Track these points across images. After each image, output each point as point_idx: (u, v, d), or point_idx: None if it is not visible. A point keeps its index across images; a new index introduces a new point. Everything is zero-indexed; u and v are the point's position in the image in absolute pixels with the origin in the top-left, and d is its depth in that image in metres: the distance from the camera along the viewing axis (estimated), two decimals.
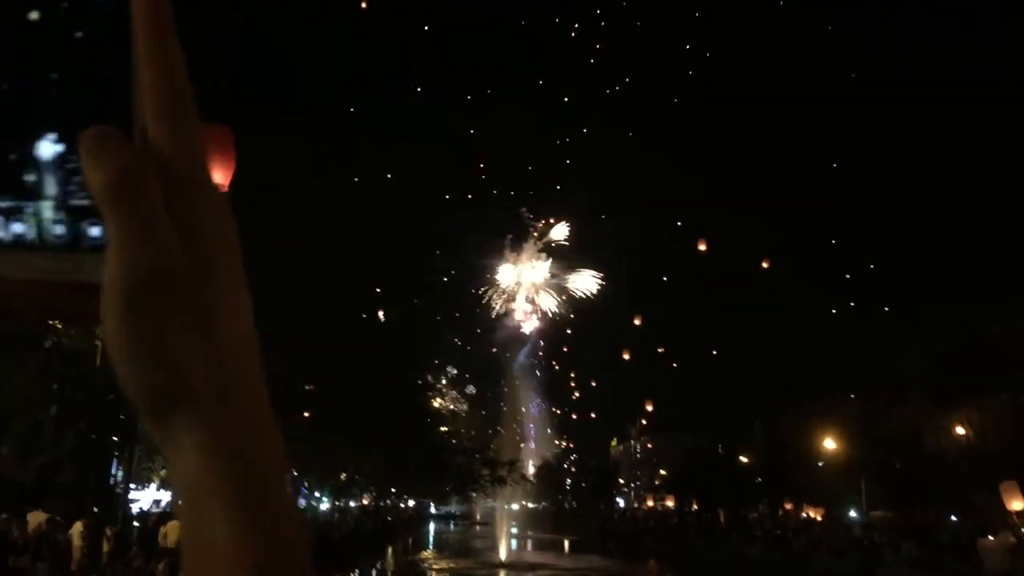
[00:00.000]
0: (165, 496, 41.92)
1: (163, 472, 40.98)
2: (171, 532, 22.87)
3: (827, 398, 58.29)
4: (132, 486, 36.32)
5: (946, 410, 45.35)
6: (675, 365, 73.95)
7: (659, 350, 71.92)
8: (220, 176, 8.26)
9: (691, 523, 59.51)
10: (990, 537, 24.39)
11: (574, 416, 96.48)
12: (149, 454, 34.31)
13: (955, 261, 74.36)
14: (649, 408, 64.95)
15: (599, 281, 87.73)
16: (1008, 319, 50.06)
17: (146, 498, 41.39)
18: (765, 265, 42.03)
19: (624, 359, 72.68)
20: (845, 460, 44.86)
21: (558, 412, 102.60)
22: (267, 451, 0.50)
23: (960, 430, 40.22)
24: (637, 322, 52.34)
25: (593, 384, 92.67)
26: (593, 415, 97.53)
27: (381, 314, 41.62)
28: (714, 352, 74.21)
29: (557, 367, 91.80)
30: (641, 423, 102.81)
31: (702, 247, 37.08)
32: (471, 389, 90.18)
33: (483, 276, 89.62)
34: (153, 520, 26.04)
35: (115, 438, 23.54)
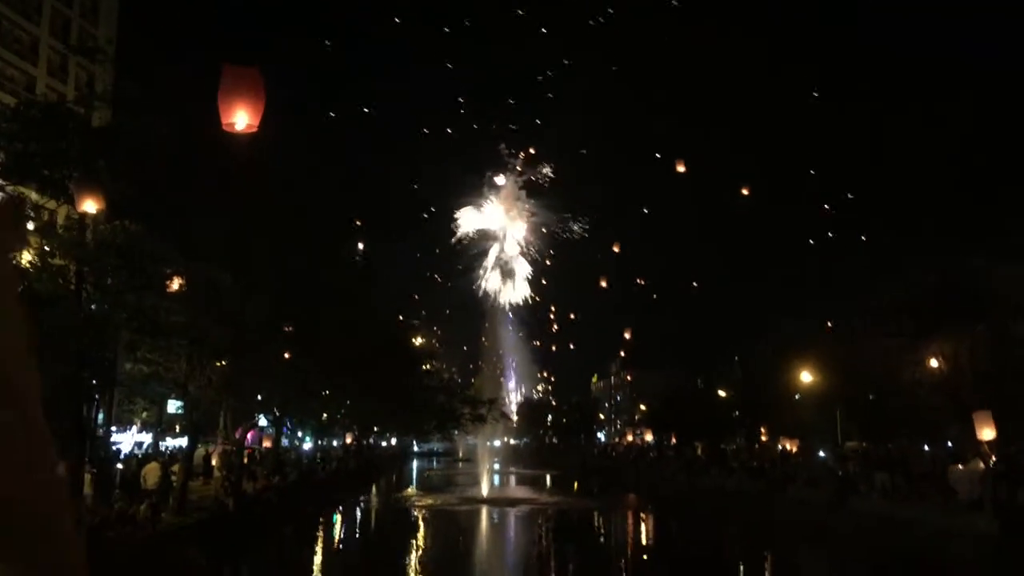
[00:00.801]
0: (147, 438, 42.06)
1: (144, 414, 41.04)
2: (150, 474, 23.01)
3: (804, 332, 58.88)
4: (114, 429, 36.37)
5: (921, 342, 45.89)
6: (655, 296, 74.05)
7: (639, 281, 71.91)
8: (250, 117, 8.15)
9: (670, 457, 60.35)
10: (960, 466, 24.86)
11: (554, 348, 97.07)
12: (130, 396, 34.32)
13: (934, 194, 74.63)
14: (627, 336, 65.15)
15: (581, 225, 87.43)
16: (985, 250, 50.53)
17: (129, 440, 41.51)
18: (745, 192, 41.89)
19: (604, 291, 73.06)
20: (821, 393, 45.45)
21: (539, 344, 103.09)
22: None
23: (934, 362, 40.72)
24: (616, 249, 52.07)
25: (572, 317, 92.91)
26: (572, 346, 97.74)
27: (361, 245, 41.27)
28: (694, 284, 74.36)
29: (538, 300, 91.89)
30: (621, 356, 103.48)
31: (680, 168, 36.82)
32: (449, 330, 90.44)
33: (463, 212, 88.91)
34: (135, 463, 26.18)
35: (94, 381, 23.40)
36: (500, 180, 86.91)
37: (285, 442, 47.33)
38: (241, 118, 7.97)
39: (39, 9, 43.06)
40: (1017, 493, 20.55)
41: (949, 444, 38.42)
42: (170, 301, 21.03)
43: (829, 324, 58.71)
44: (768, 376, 55.69)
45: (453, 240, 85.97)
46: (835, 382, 44.69)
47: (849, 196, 50.77)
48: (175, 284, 20.50)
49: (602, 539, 32.86)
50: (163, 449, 36.17)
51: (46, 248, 19.78)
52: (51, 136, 19.22)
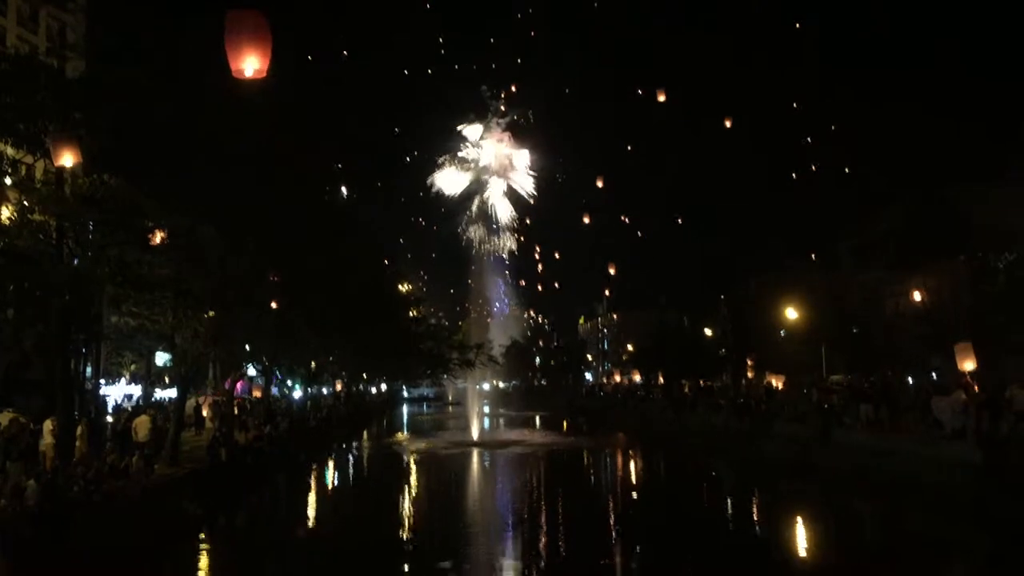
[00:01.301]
0: (137, 390, 42.14)
1: (132, 367, 41.03)
2: (140, 427, 23.08)
3: (790, 268, 59.22)
4: (102, 382, 36.36)
5: (904, 274, 46.26)
6: (639, 234, 73.75)
7: (623, 219, 71.43)
8: (257, 62, 8.06)
9: (657, 395, 60.96)
10: (943, 397, 25.20)
11: (540, 288, 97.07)
12: (118, 350, 34.27)
13: (913, 127, 74.28)
14: (612, 271, 65.06)
15: (563, 165, 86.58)
16: (965, 182, 50.66)
17: (118, 393, 41.58)
18: (728, 124, 41.49)
19: (589, 230, 72.77)
20: (806, 328, 45.87)
21: (524, 285, 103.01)
22: None
23: (917, 295, 41.11)
24: (599, 184, 51.69)
25: (556, 256, 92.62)
26: (558, 285, 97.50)
27: (344, 189, 41.01)
28: (679, 221, 74.04)
29: (523, 240, 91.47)
30: (607, 296, 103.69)
31: (661, 98, 36.38)
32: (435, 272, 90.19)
33: (446, 155, 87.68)
34: (125, 416, 26.23)
35: (81, 335, 23.33)
36: (476, 129, 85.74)
37: (275, 391, 47.55)
38: (250, 63, 7.96)
39: None
40: (999, 422, 20.88)
41: (933, 375, 38.96)
42: (153, 254, 20.86)
43: (813, 256, 58.96)
44: (753, 313, 56.15)
45: (428, 183, 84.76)
46: (819, 317, 45.11)
47: (832, 128, 50.14)
48: (157, 237, 20.32)
49: (592, 479, 33.32)
50: (153, 401, 36.24)
51: (25, 204, 19.55)
52: (24, 90, 18.88)
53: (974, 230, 43.51)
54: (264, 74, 7.98)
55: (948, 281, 41.28)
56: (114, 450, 19.88)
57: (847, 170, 51.66)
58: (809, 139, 50.98)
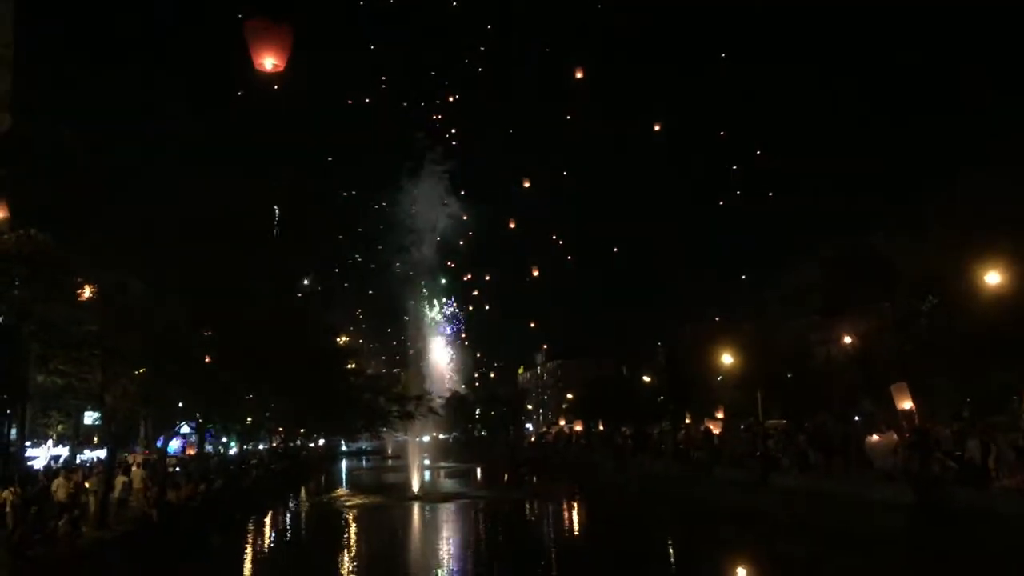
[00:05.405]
0: (64, 451, 40.76)
1: (60, 427, 39.74)
2: (59, 488, 22.30)
3: (724, 314, 60.34)
4: (28, 444, 35.17)
5: (833, 320, 47.49)
6: (577, 285, 74.27)
7: (566, 267, 71.65)
8: (277, 60, 10.11)
9: (597, 444, 61.02)
10: (875, 437, 25.80)
11: (479, 354, 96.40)
12: (45, 410, 33.23)
13: (838, 174, 75.87)
14: (552, 325, 65.52)
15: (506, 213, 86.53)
16: (887, 229, 52.27)
17: (45, 455, 40.16)
18: (657, 128, 42.33)
19: (531, 282, 72.96)
20: (741, 374, 46.59)
21: (464, 339, 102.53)
22: None
23: (847, 339, 42.14)
24: (512, 225, 51.73)
25: (487, 308, 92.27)
26: (499, 337, 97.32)
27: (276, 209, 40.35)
28: (615, 269, 75.12)
29: (463, 292, 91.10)
30: (545, 348, 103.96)
31: (578, 75, 36.46)
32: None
33: (385, 192, 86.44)
34: (41, 477, 25.34)
35: (4, 396, 22.63)
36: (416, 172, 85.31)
37: (209, 448, 46.41)
38: (268, 61, 9.68)
39: None
40: (930, 462, 21.40)
41: (856, 418, 39.83)
42: (81, 311, 20.40)
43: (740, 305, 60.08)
44: (690, 360, 56.84)
45: (360, 230, 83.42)
46: (754, 363, 45.88)
47: (758, 153, 50.64)
48: (86, 292, 19.89)
49: (533, 530, 33.10)
50: (79, 462, 35.06)
51: None
52: None
53: (900, 276, 44.85)
54: (280, 70, 9.64)
55: (875, 326, 42.39)
56: (36, 513, 19.16)
57: (770, 193, 52.65)
58: (738, 192, 52.19)
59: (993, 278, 29.73)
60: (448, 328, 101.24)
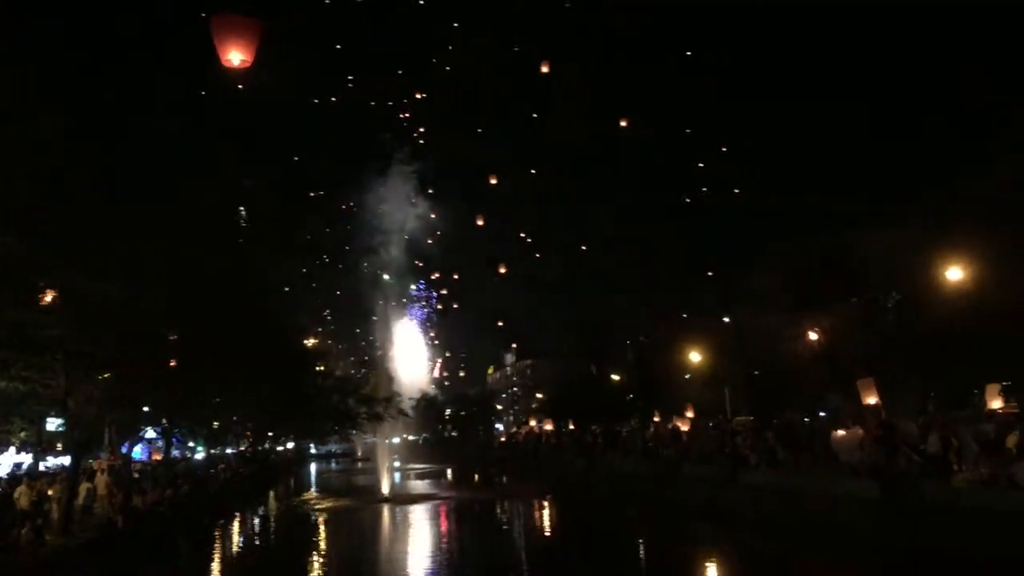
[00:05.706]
0: (27, 458, 40.13)
1: (23, 434, 39.06)
2: (22, 496, 21.95)
3: (692, 313, 60.62)
4: None
5: (801, 316, 47.87)
6: (547, 284, 74.42)
7: (533, 268, 71.61)
8: (244, 55, 10.17)
9: (567, 443, 61.13)
10: (841, 432, 26.07)
11: (448, 353, 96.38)
12: (7, 416, 32.61)
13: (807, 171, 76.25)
14: (520, 324, 65.63)
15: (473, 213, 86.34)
16: (855, 227, 52.73)
17: (7, 462, 39.58)
18: (623, 124, 42.49)
19: (499, 281, 72.97)
20: (710, 372, 46.94)
21: (434, 339, 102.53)
22: None
23: (813, 335, 42.56)
24: (480, 223, 51.31)
25: (455, 307, 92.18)
26: (467, 337, 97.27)
27: (242, 209, 39.94)
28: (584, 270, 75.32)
29: (432, 292, 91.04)
30: (514, 347, 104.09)
31: (545, 68, 36.57)
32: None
33: (353, 193, 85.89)
34: (4, 484, 24.94)
35: None
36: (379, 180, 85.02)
37: (176, 453, 45.92)
38: (235, 56, 9.67)
39: None
40: (895, 457, 21.66)
41: (822, 414, 40.26)
42: (43, 314, 20.03)
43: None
44: (658, 358, 57.18)
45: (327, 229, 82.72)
46: (721, 360, 46.25)
47: (723, 149, 50.73)
48: (48, 296, 19.54)
49: (504, 529, 33.10)
50: (42, 469, 34.53)
51: None
52: None
53: (868, 272, 45.34)
54: (248, 64, 9.72)
55: (842, 322, 42.83)
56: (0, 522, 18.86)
57: (736, 190, 52.84)
58: (704, 189, 52.47)
59: (955, 274, 30.24)
60: (417, 328, 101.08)
